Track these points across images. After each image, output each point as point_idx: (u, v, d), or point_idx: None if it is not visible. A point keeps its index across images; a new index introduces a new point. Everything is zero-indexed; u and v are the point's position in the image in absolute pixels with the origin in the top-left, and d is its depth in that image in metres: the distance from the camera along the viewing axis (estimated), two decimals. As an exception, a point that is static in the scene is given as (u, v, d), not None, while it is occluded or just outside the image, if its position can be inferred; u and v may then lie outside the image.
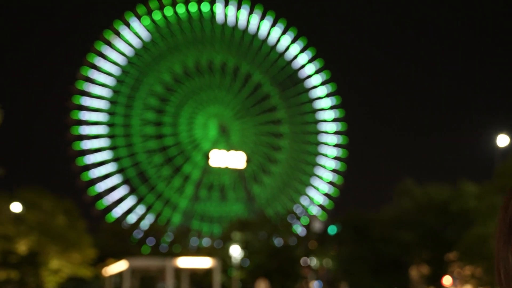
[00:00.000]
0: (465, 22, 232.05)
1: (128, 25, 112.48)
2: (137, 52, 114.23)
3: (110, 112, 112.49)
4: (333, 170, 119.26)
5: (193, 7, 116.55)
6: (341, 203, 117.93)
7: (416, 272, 65.45)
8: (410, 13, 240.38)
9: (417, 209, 61.54)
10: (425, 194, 62.71)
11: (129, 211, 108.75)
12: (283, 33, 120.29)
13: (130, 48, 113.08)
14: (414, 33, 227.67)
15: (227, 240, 70.98)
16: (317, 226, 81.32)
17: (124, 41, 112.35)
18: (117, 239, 74.75)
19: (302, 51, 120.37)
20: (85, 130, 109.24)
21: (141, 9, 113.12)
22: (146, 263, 57.37)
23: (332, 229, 78.51)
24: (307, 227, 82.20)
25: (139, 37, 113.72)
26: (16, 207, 58.69)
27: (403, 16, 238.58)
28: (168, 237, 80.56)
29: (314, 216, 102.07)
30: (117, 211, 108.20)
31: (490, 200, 53.66)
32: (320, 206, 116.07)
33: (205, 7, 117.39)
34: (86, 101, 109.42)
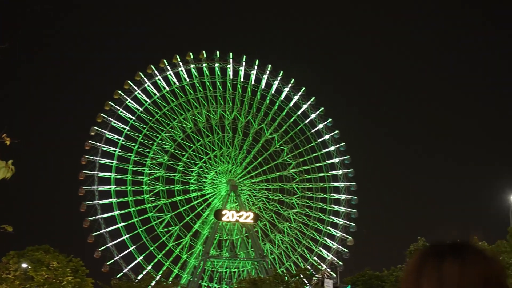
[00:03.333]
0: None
1: (140, 84, 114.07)
2: (149, 109, 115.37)
3: (120, 169, 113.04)
4: (344, 228, 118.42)
5: (205, 65, 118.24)
6: (352, 261, 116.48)
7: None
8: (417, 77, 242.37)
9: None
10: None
11: (138, 269, 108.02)
12: (294, 91, 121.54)
13: (141, 105, 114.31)
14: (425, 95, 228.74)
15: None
16: (329, 285, 79.96)
17: (136, 99, 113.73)
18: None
19: (312, 109, 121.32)
20: (95, 187, 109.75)
21: (151, 68, 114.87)
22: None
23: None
24: (319, 285, 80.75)
25: (151, 95, 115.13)
26: (24, 266, 58.17)
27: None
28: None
29: (326, 274, 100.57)
30: (126, 270, 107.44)
31: (503, 259, 52.86)
32: (332, 264, 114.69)
33: (217, 65, 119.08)
34: (97, 158, 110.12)
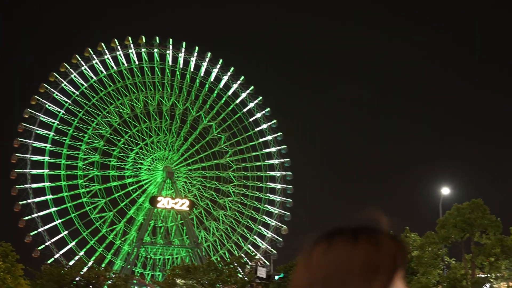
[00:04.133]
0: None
1: (76, 67, 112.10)
2: (85, 93, 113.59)
3: (54, 153, 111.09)
4: (279, 217, 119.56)
5: (144, 50, 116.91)
6: (285, 250, 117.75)
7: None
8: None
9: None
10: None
11: (70, 254, 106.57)
12: (233, 79, 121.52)
13: (77, 89, 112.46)
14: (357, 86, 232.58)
15: (170, 286, 69.77)
16: (262, 273, 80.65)
17: (72, 82, 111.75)
18: (56, 284, 72.59)
19: (251, 98, 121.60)
20: (27, 170, 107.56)
21: (89, 52, 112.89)
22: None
23: (277, 277, 78.12)
24: (252, 274, 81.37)
25: (88, 79, 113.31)
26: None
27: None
28: (110, 283, 78.68)
29: (259, 262, 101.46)
30: (58, 255, 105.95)
31: (432, 250, 54.51)
32: (266, 252, 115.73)
33: (156, 51, 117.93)
34: (30, 141, 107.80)
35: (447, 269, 56.80)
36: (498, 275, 54.15)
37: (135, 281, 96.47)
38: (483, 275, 53.92)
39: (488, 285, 54.07)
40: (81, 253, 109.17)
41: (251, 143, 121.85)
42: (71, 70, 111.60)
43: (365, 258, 1.81)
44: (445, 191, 58.37)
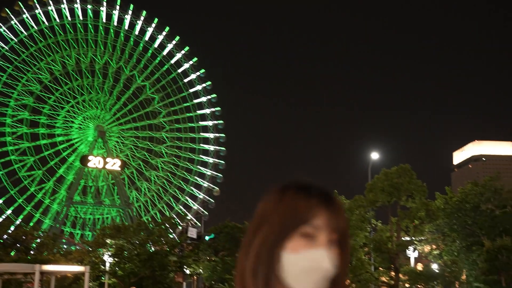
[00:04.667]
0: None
1: (5, 20, 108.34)
2: (15, 48, 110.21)
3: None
4: (211, 179, 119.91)
5: (77, 6, 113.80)
6: (217, 212, 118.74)
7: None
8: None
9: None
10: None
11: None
12: (168, 39, 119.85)
13: (7, 43, 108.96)
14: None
15: (99, 246, 69.32)
16: (192, 233, 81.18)
17: (1, 36, 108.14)
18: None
19: (185, 59, 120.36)
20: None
21: (19, 5, 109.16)
22: (12, 268, 54.87)
23: (207, 237, 78.84)
24: (182, 234, 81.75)
25: (18, 33, 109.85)
26: None
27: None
28: (38, 242, 77.59)
29: (190, 223, 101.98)
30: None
31: (360, 213, 55.84)
32: (197, 213, 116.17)
33: (90, 7, 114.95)
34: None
35: (373, 232, 58.33)
36: (422, 238, 56.01)
37: (64, 240, 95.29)
38: (408, 238, 55.70)
39: (412, 247, 55.90)
40: (9, 211, 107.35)
41: (185, 104, 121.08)
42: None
43: (264, 208, 1.87)
44: (374, 156, 59.58)
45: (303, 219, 1.76)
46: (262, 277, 1.79)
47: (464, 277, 53.21)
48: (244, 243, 1.95)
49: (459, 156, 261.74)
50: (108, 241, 67.18)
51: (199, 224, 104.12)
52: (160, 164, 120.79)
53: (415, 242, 55.73)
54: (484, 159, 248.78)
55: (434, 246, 57.99)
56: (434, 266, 54.79)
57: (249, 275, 1.82)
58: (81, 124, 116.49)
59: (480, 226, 51.58)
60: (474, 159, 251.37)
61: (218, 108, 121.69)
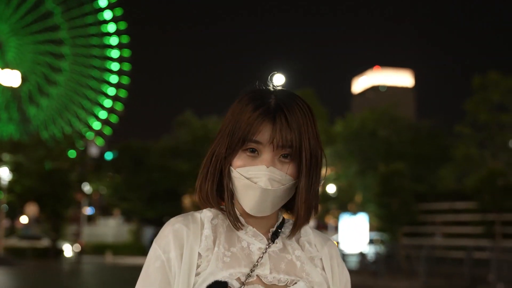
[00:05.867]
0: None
1: None
2: None
3: None
4: (115, 96, 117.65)
5: None
6: (120, 131, 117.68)
7: (189, 200, 67.68)
8: None
9: (195, 140, 63.50)
10: (203, 126, 65.19)
11: None
12: None
13: None
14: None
15: (-4, 162, 67.54)
16: (93, 151, 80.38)
17: None
18: None
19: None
20: None
21: None
22: None
23: (109, 156, 78.26)
24: (83, 152, 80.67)
25: None
26: None
27: None
28: None
29: (92, 141, 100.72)
30: None
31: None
32: (99, 131, 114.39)
33: None
34: None
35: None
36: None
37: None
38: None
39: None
40: None
41: (90, 16, 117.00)
42: None
43: (227, 118, 1.79)
44: (279, 78, 60.08)
45: (247, 134, 1.68)
46: (211, 186, 1.80)
47: (358, 199, 55.59)
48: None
49: (359, 83, 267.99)
50: (6, 157, 65.62)
51: (102, 143, 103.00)
52: (62, 81, 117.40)
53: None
54: (382, 89, 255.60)
55: (332, 170, 60.02)
56: (332, 189, 56.87)
57: (202, 182, 1.84)
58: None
59: (376, 152, 53.66)
60: (374, 88, 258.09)
61: (125, 22, 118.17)
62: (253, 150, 1.69)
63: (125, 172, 70.06)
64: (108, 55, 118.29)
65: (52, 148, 71.46)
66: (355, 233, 49.39)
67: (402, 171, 35.34)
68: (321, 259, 1.82)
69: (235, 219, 1.74)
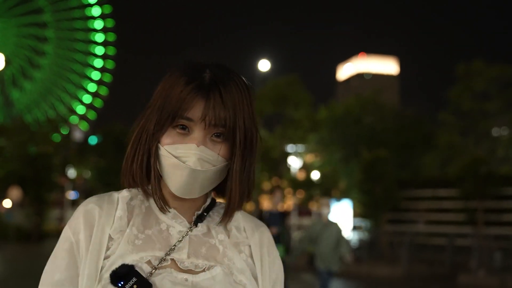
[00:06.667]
0: None
1: None
2: None
3: None
4: (99, 81, 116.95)
5: None
6: (104, 115, 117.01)
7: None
8: None
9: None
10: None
11: None
12: None
13: None
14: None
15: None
16: (77, 136, 79.99)
17: None
18: None
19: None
20: None
21: None
22: None
23: (93, 140, 77.84)
24: (67, 136, 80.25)
25: None
26: None
27: None
28: None
29: (75, 125, 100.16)
30: None
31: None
32: (82, 115, 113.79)
33: None
34: None
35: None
36: (305, 148, 58.09)
37: None
38: (292, 148, 57.55)
39: (295, 157, 57.88)
40: None
41: (75, 1, 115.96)
42: None
43: (157, 91, 1.62)
44: (264, 64, 59.04)
45: (178, 110, 1.53)
46: (140, 166, 1.63)
47: (342, 186, 55.79)
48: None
49: (344, 70, 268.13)
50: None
51: (86, 127, 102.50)
52: (46, 64, 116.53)
53: (299, 152, 57.67)
54: (367, 76, 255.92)
55: (316, 157, 60.14)
56: (316, 176, 57.07)
57: (129, 163, 1.67)
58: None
59: (360, 139, 53.82)
60: (359, 75, 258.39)
61: (110, 6, 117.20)
62: (183, 127, 1.54)
63: (108, 156, 69.80)
64: (92, 39, 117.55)
65: (36, 132, 71.06)
66: (339, 219, 49.66)
67: (385, 158, 35.46)
68: (249, 245, 1.69)
69: (161, 199, 1.61)
